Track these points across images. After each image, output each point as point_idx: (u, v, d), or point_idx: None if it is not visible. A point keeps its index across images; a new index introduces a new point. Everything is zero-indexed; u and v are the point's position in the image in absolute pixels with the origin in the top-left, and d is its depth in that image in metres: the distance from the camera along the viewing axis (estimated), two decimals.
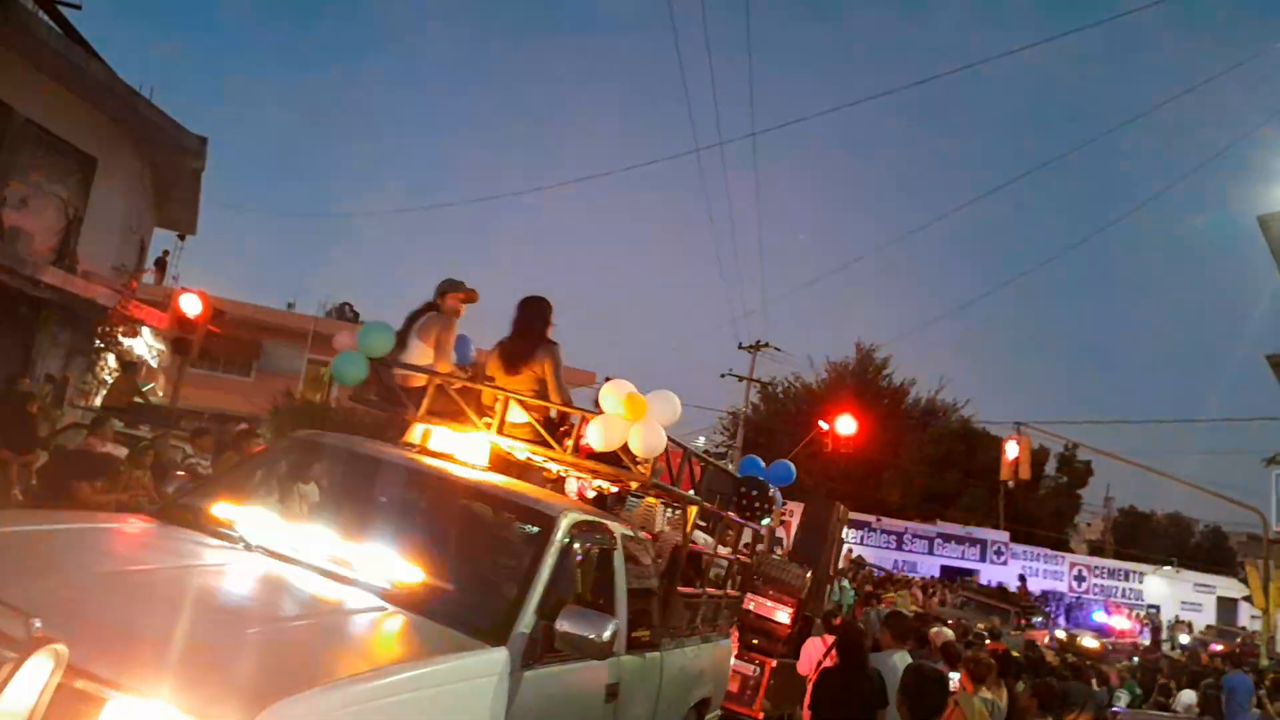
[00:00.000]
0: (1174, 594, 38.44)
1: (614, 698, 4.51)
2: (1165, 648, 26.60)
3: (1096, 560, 42.28)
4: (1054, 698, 9.33)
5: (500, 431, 5.45)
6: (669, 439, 5.49)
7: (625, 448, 5.17)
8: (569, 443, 5.46)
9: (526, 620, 3.66)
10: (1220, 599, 37.52)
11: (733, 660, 8.27)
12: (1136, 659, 19.80)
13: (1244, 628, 32.43)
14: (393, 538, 4.10)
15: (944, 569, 38.10)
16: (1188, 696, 12.63)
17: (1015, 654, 11.51)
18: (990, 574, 37.07)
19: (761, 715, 9.42)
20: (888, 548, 38.61)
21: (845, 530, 37.35)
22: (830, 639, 7.81)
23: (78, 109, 14.03)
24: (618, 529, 5.01)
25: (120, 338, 16.62)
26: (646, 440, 5.10)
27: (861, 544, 38.01)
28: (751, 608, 9.64)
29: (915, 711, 4.07)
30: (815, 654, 8.25)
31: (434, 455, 5.26)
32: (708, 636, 6.70)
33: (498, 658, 3.47)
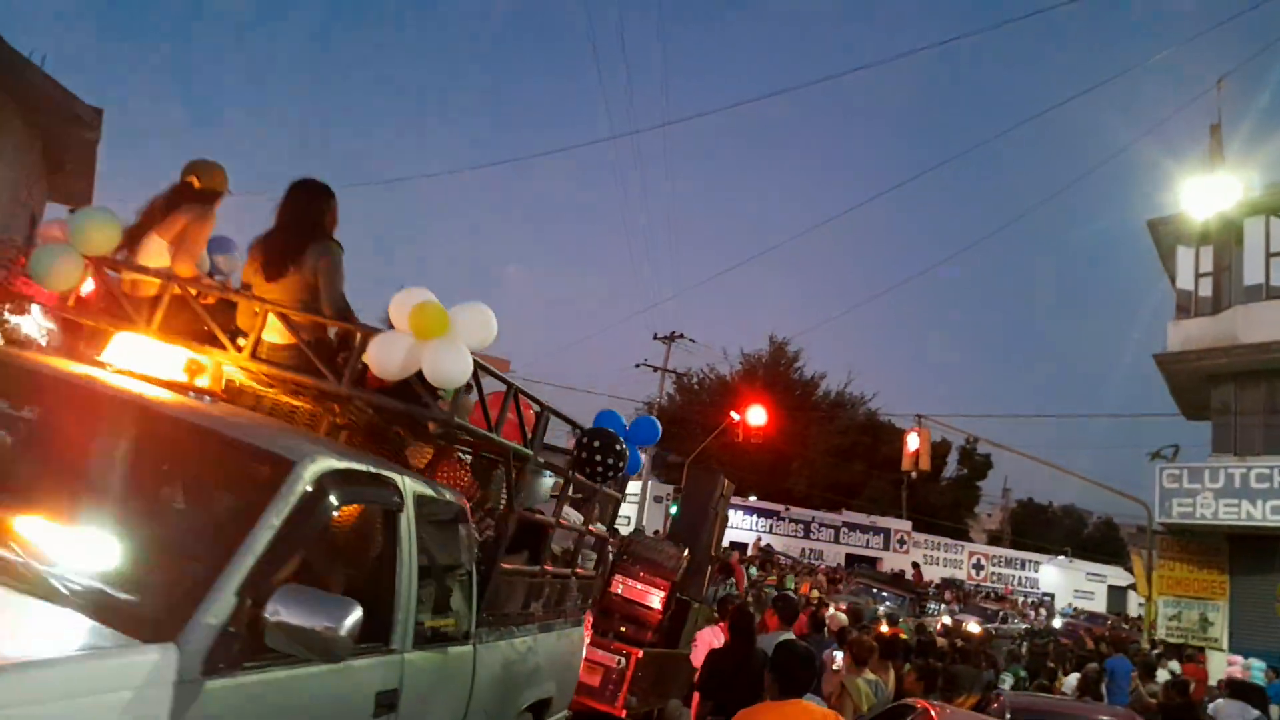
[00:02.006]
0: (1068, 583, 39.93)
1: (390, 709, 3.47)
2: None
3: (994, 549, 43.70)
4: (937, 679, 9.67)
5: (256, 355, 4.26)
6: (493, 372, 4.58)
7: (422, 378, 4.06)
8: (352, 373, 4.18)
9: (218, 606, 2.57)
10: (1111, 588, 39.10)
11: (588, 650, 7.56)
12: (1025, 644, 20.55)
13: (1118, 614, 33.93)
14: (40, 486, 3.13)
15: (849, 557, 38.98)
16: (1074, 680, 13.16)
17: (904, 637, 11.92)
18: (893, 562, 38.02)
19: (625, 713, 8.34)
20: (795, 536, 39.30)
21: (757, 519, 38.43)
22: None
23: None
24: (411, 486, 3.81)
25: (7, 315, 16.05)
26: (443, 364, 3.98)
27: (770, 532, 38.65)
28: (619, 591, 8.66)
29: (782, 685, 4.18)
30: (711, 643, 8.32)
31: (136, 377, 4.00)
32: (549, 624, 5.71)
33: (151, 661, 2.37)
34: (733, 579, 13.72)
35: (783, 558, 33.34)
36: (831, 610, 14.17)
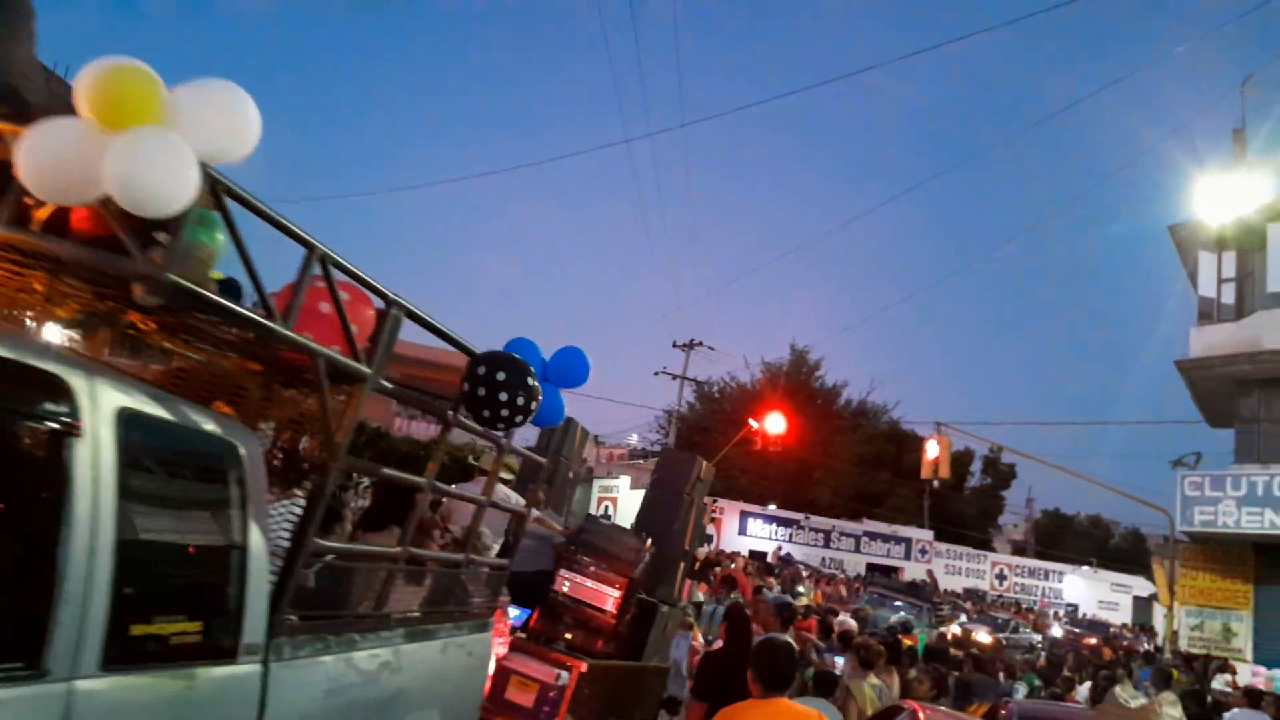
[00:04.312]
0: (1092, 593, 39.47)
1: None
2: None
3: (1018, 560, 43.29)
4: (945, 685, 9.63)
5: None
6: (273, 218, 2.85)
7: (125, 211, 2.49)
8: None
9: None
10: (1136, 598, 38.65)
11: (522, 663, 6.42)
12: (1043, 653, 20.33)
13: (1142, 626, 33.49)
14: None
15: (870, 566, 38.72)
16: (1086, 689, 13.06)
17: (909, 644, 11.87)
18: (914, 572, 37.72)
19: None
20: (816, 545, 39.09)
21: (777, 528, 38.27)
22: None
23: None
24: (108, 396, 2.46)
25: None
26: (139, 168, 2.41)
27: (790, 541, 38.48)
28: (565, 589, 7.18)
29: (763, 679, 4.16)
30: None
31: None
32: (429, 629, 4.23)
33: None
34: (737, 591, 13.43)
35: (802, 567, 33.14)
36: (841, 617, 14.07)
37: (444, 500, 5.38)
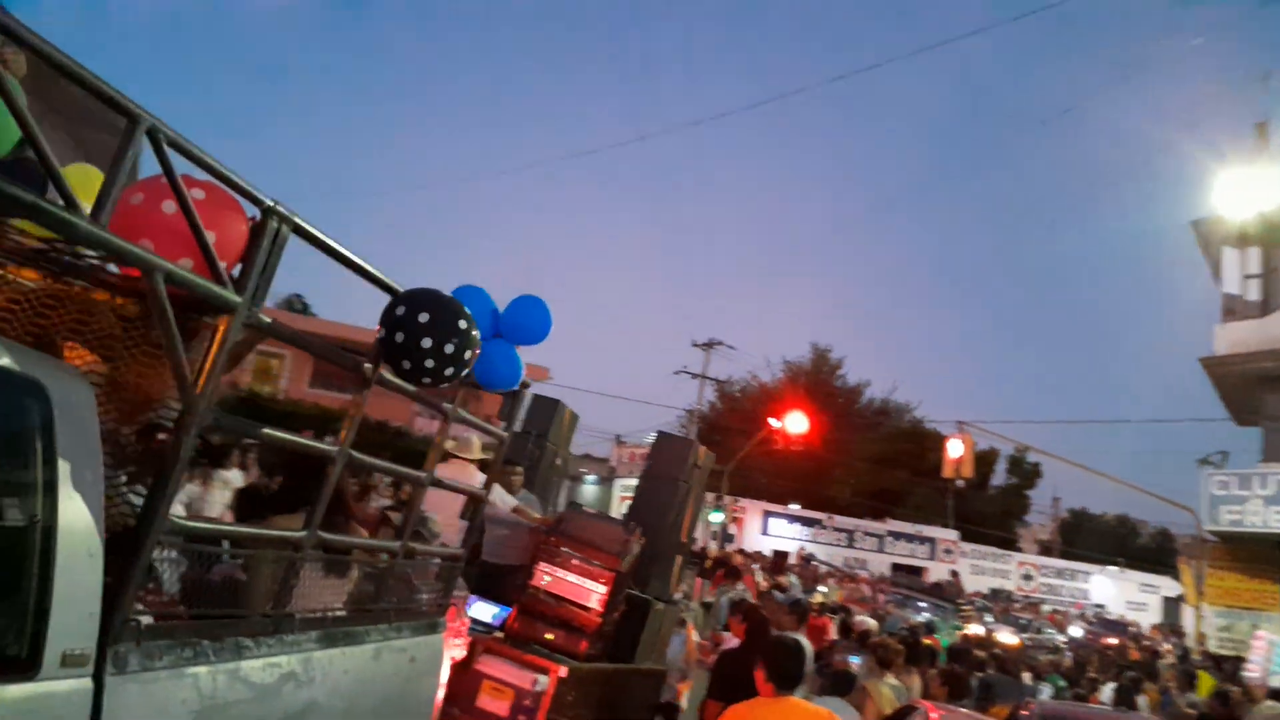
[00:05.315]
0: (1120, 593, 39.11)
1: None
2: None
3: (1044, 560, 42.96)
4: (965, 686, 9.55)
5: None
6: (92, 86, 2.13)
7: None
8: None
9: None
10: (1165, 599, 38.26)
11: (495, 666, 5.98)
12: (1070, 653, 20.18)
13: (1172, 626, 33.11)
14: None
15: (894, 566, 38.56)
16: (1109, 689, 13.00)
17: (927, 643, 11.80)
18: (939, 572, 37.57)
19: None
20: (838, 545, 38.96)
21: (800, 528, 38.15)
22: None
23: None
24: None
25: None
26: None
27: (813, 541, 38.40)
28: (544, 582, 6.57)
29: (774, 678, 4.18)
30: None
31: None
32: (349, 632, 3.55)
33: None
34: (742, 584, 13.33)
35: (823, 566, 33.05)
36: (859, 617, 14.01)
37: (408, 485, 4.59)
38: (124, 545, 2.41)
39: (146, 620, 2.51)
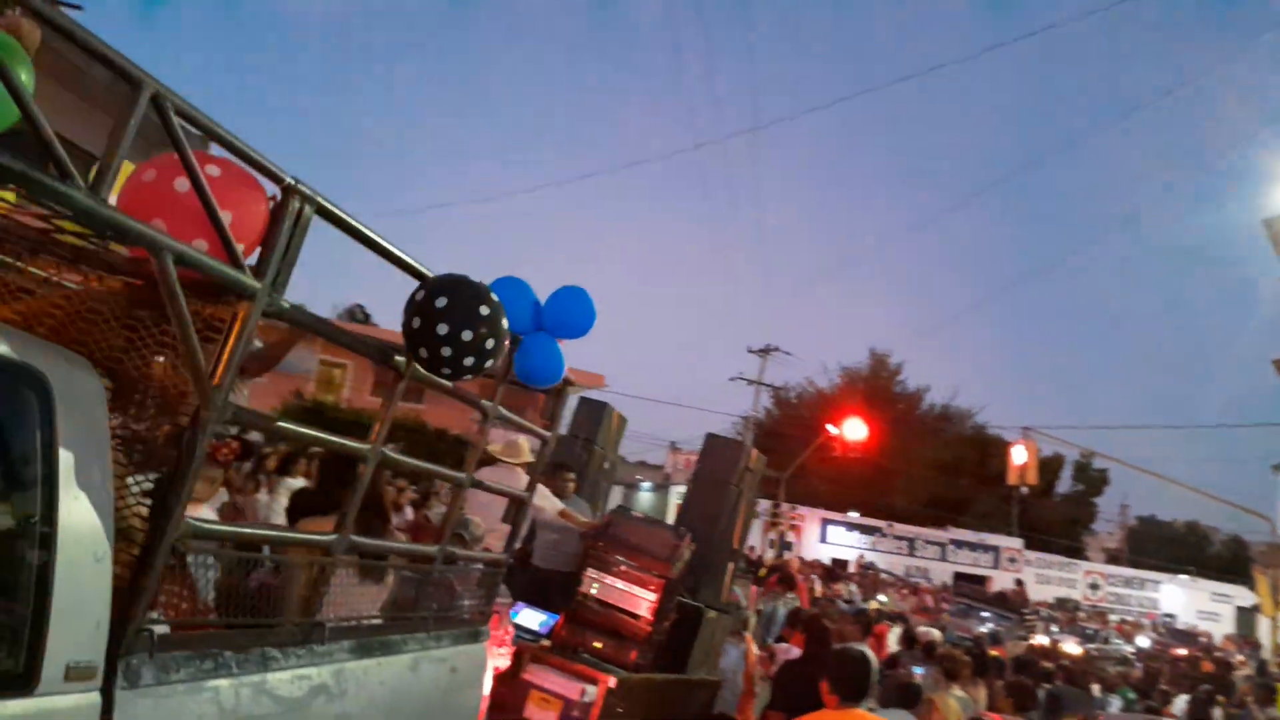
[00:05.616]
0: (1190, 603, 37.98)
1: None
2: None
3: (1111, 568, 41.84)
4: (1032, 698, 9.25)
5: None
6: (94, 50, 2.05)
7: None
8: None
9: None
10: (1239, 609, 37.10)
11: (542, 676, 5.80)
12: (1140, 664, 19.63)
13: (1244, 637, 32.09)
14: None
15: (957, 575, 37.93)
16: (1183, 701, 12.61)
17: (995, 654, 11.48)
18: (1003, 581, 36.84)
19: None
20: (899, 554, 38.43)
21: (859, 536, 37.72)
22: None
23: None
24: None
25: None
26: None
27: (873, 549, 37.92)
28: (593, 590, 6.35)
29: (839, 690, 4.08)
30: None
31: None
32: (386, 642, 3.33)
33: None
34: (793, 592, 12.92)
35: (885, 575, 32.59)
36: (922, 628, 13.71)
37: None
38: (141, 550, 2.26)
39: (162, 630, 2.33)
